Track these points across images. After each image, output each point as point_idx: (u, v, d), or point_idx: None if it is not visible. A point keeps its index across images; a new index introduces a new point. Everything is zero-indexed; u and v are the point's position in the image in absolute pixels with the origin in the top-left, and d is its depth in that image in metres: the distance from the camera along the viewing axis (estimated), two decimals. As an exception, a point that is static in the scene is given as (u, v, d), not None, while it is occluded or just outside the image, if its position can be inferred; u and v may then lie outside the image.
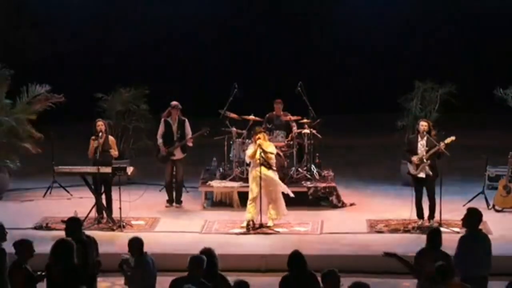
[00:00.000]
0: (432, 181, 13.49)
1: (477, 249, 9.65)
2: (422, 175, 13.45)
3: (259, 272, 11.86)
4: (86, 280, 8.93)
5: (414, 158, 13.44)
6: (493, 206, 14.60)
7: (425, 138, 13.46)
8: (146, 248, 9.58)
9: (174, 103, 14.90)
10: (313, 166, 15.55)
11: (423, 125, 13.53)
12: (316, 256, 11.14)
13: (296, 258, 8.89)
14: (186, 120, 14.93)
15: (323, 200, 15.07)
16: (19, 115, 15.53)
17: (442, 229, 12.96)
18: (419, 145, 13.51)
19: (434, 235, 9.66)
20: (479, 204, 14.08)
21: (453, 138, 13.37)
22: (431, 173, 13.39)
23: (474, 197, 14.73)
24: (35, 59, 20.31)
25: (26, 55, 20.24)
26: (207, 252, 8.92)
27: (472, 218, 9.87)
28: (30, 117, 15.59)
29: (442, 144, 13.28)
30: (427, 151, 13.37)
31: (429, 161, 13.36)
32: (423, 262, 9.29)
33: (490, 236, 10.43)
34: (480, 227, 9.98)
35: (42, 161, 16.10)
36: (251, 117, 15.50)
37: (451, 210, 13.66)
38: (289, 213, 13.88)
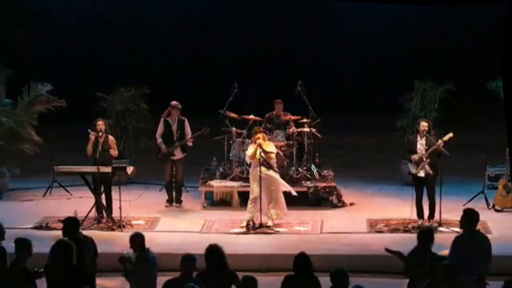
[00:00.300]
0: (432, 180, 13.50)
1: (473, 249, 9.65)
2: (422, 174, 13.45)
3: (259, 272, 11.86)
4: (85, 280, 8.94)
5: (414, 157, 13.46)
6: (493, 206, 14.58)
7: (424, 137, 13.48)
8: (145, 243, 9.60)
9: (174, 102, 14.91)
10: (313, 166, 15.56)
11: (423, 125, 13.54)
12: (316, 255, 11.12)
13: (301, 260, 8.88)
14: (186, 120, 14.94)
15: (323, 199, 15.08)
16: (19, 115, 15.52)
17: (442, 228, 13.05)
18: (418, 144, 13.52)
19: (423, 234, 9.70)
20: (479, 203, 14.09)
21: (450, 134, 13.37)
22: (431, 172, 13.40)
23: (474, 197, 14.71)
24: (36, 59, 20.31)
25: (26, 55, 20.24)
26: (214, 248, 8.93)
27: (469, 218, 9.88)
28: (32, 122, 15.58)
29: (440, 142, 13.30)
30: (426, 150, 13.39)
31: (428, 160, 13.37)
32: (414, 261, 9.33)
33: (489, 236, 10.43)
34: (479, 227, 9.98)
35: (42, 161, 16.09)
36: (251, 116, 15.52)
37: (451, 210, 13.64)
38: (289, 212, 13.89)
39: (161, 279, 9.41)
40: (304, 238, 13.22)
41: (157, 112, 15.56)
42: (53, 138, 15.88)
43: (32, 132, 15.61)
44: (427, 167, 13.39)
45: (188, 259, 8.75)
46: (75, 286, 8.59)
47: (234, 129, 15.52)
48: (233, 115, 15.57)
